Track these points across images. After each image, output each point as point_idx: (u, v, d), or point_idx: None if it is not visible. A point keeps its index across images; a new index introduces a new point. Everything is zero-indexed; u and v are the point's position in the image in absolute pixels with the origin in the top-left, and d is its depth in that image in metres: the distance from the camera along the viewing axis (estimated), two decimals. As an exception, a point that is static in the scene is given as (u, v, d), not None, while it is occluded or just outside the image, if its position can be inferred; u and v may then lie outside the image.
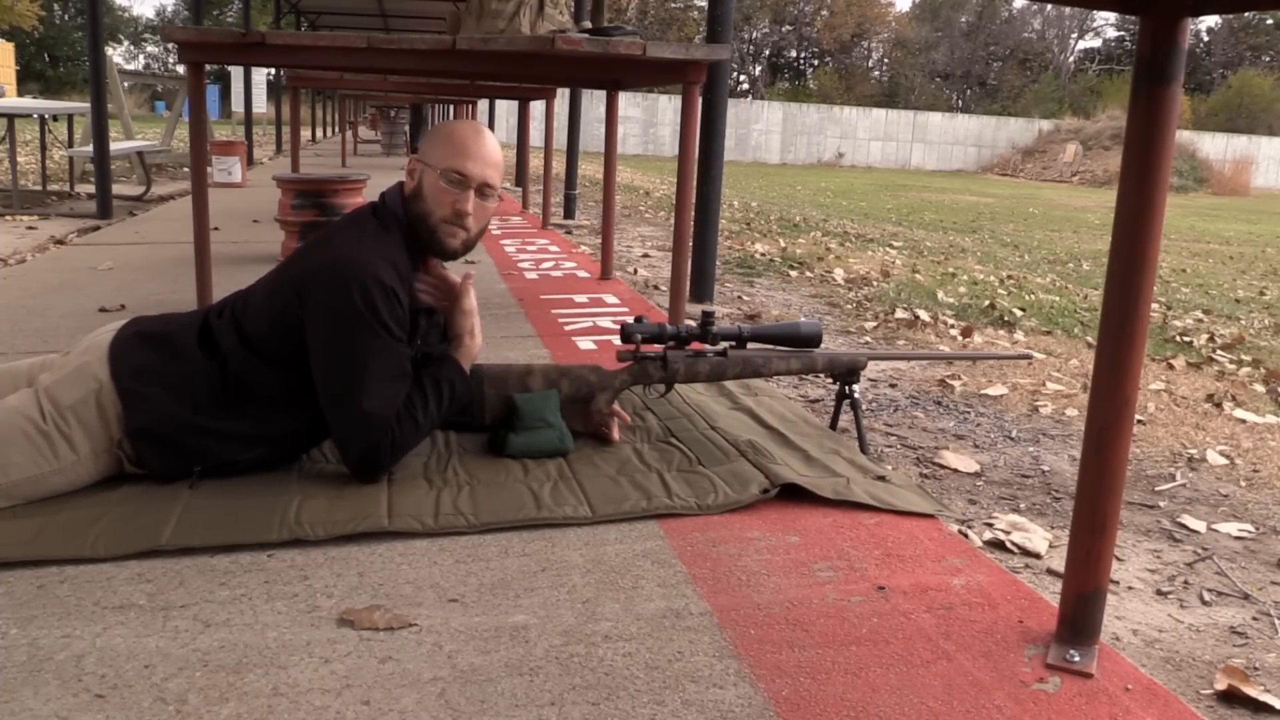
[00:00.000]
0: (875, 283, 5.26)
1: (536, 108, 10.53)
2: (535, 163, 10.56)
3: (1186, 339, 4.32)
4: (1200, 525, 2.13)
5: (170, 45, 3.70)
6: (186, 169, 9.87)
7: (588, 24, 3.40)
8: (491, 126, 14.08)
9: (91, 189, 6.68)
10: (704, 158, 4.00)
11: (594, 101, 20.31)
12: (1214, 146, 28.70)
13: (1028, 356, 2.49)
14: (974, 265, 6.73)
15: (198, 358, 1.69)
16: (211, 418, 1.67)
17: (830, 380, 2.59)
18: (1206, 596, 1.80)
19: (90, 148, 6.43)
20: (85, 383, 1.63)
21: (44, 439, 1.58)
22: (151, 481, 1.67)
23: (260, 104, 16.68)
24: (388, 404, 1.66)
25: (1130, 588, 1.82)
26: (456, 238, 1.78)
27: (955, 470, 2.39)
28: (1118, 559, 1.92)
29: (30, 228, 5.52)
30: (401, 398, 1.69)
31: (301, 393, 1.70)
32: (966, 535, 1.95)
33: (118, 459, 1.65)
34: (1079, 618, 1.31)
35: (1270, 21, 46.23)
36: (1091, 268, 7.47)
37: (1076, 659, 1.28)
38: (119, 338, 1.69)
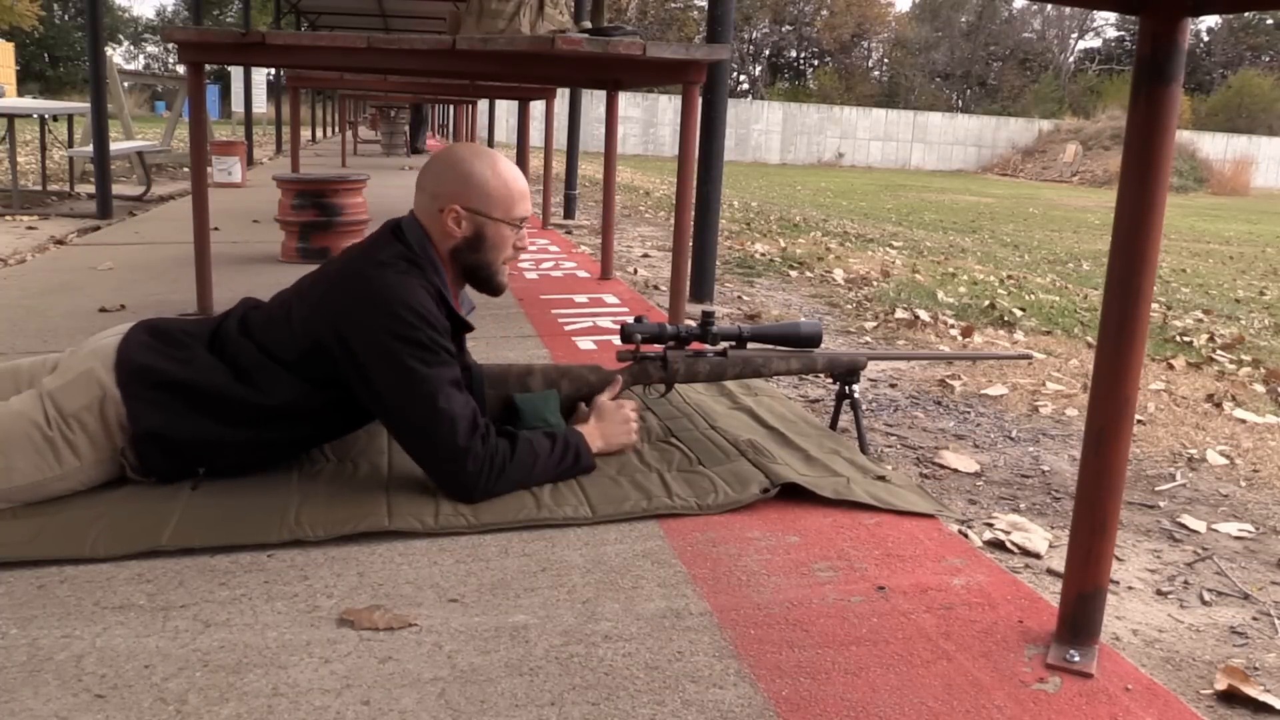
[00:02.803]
0: (875, 283, 5.26)
1: (536, 108, 10.52)
2: (535, 163, 10.56)
3: (1186, 339, 4.32)
4: (1200, 525, 2.13)
5: (170, 45, 3.70)
6: (186, 169, 9.87)
7: (588, 24, 3.40)
8: (491, 126, 14.07)
9: (91, 189, 6.68)
10: (704, 158, 3.99)
11: (594, 101, 20.31)
12: (1214, 146, 28.72)
13: (1028, 356, 2.49)
14: (974, 265, 6.73)
15: (208, 364, 1.67)
16: (218, 422, 1.65)
17: (830, 380, 2.59)
18: (1206, 596, 1.80)
19: (90, 148, 6.43)
20: (90, 390, 1.61)
21: (48, 445, 1.58)
22: (152, 483, 1.67)
23: (260, 104, 16.71)
24: (466, 425, 1.63)
25: (1130, 588, 1.82)
26: (505, 273, 1.83)
27: (955, 470, 2.39)
28: (1118, 559, 1.92)
29: (30, 228, 5.52)
30: (470, 409, 1.66)
31: (313, 406, 1.71)
32: (966, 535, 1.95)
33: (120, 466, 1.65)
34: (1079, 618, 1.31)
35: (1270, 21, 46.24)
36: (1091, 268, 7.47)
37: (1076, 659, 1.28)
38: (126, 342, 1.66)
